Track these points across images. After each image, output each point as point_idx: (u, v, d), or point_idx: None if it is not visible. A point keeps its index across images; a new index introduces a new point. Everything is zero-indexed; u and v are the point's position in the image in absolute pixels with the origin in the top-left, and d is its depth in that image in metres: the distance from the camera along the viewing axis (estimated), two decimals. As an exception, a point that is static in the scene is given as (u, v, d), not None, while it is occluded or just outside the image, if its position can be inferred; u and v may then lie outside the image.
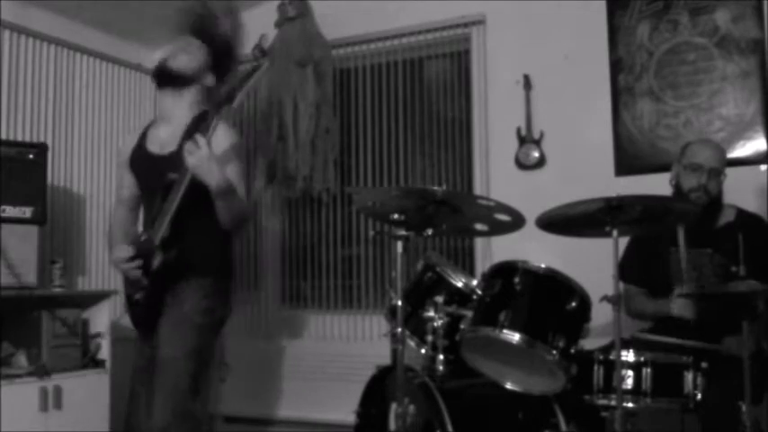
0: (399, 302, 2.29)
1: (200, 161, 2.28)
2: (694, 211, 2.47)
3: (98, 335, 3.39)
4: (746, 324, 2.21)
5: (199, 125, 2.40)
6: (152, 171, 2.53)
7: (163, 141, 2.57)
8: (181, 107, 2.59)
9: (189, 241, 2.43)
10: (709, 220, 2.72)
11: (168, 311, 2.44)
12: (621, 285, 2.60)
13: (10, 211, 3.18)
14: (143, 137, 2.66)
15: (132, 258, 2.45)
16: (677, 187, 2.77)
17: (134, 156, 2.64)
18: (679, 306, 2.60)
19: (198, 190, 2.37)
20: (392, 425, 2.34)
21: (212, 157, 2.31)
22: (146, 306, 2.47)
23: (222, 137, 2.45)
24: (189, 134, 2.40)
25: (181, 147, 2.36)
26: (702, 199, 2.67)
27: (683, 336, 2.48)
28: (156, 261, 2.40)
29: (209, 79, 2.66)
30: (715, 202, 2.73)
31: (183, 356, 2.38)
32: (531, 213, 2.38)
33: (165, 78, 2.58)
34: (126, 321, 2.63)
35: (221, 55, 2.71)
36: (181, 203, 2.36)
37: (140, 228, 2.67)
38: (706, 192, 2.68)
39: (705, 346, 2.43)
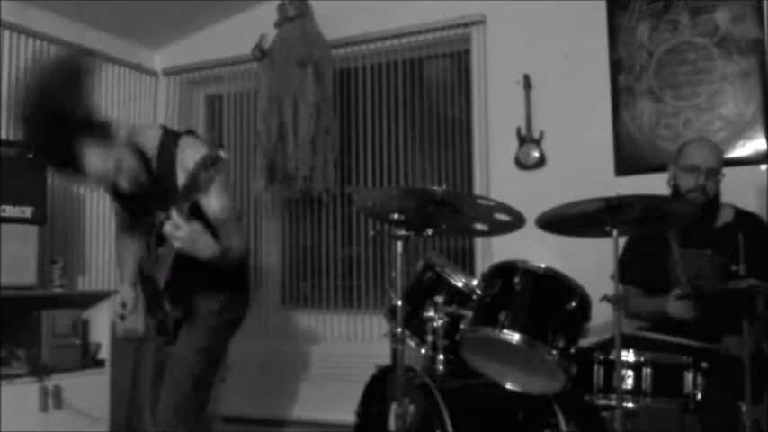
0: (399, 302, 2.29)
1: (185, 242, 2.10)
2: (693, 211, 2.47)
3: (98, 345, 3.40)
4: (746, 324, 2.21)
5: (165, 150, 2.28)
6: (134, 206, 2.44)
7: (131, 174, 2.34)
8: (127, 157, 2.29)
9: (195, 266, 2.26)
10: (707, 220, 2.72)
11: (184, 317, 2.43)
12: (620, 287, 2.60)
13: (10, 211, 3.18)
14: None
15: (127, 311, 2.49)
16: (675, 188, 2.77)
17: (115, 192, 2.42)
18: (676, 307, 2.60)
19: (195, 218, 2.20)
20: (392, 425, 2.34)
21: (194, 233, 2.11)
22: (165, 327, 2.44)
23: (192, 154, 2.19)
24: (164, 162, 2.28)
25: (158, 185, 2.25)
26: (700, 199, 2.67)
27: (682, 335, 2.48)
28: (170, 319, 2.37)
29: (116, 135, 2.27)
30: (713, 202, 2.73)
31: (192, 354, 2.37)
32: (530, 213, 2.38)
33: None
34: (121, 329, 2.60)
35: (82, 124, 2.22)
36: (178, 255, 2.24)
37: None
38: (704, 192, 2.68)
39: (705, 345, 2.43)
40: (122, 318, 2.55)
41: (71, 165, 2.14)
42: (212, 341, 2.43)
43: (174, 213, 2.06)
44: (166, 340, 2.43)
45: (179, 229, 2.06)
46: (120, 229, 2.71)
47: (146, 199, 2.34)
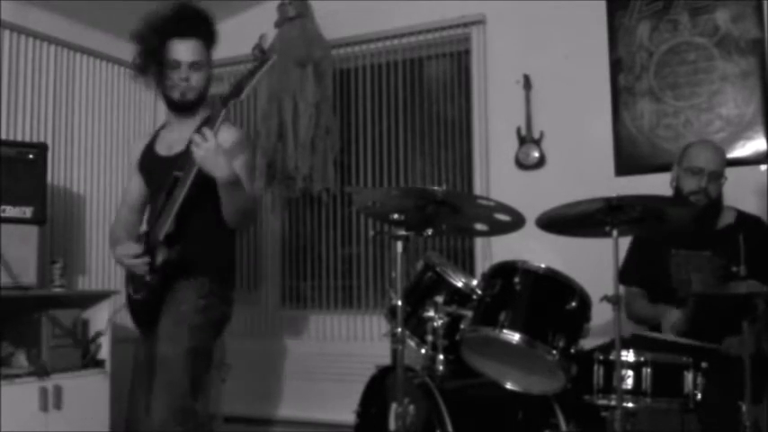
0: (399, 302, 2.29)
1: (208, 153, 2.29)
2: (693, 212, 2.47)
3: (98, 334, 3.39)
4: (747, 324, 2.21)
5: (207, 122, 2.41)
6: (160, 172, 2.53)
7: (171, 143, 2.59)
8: (195, 116, 2.61)
9: (191, 239, 2.43)
10: (709, 222, 2.72)
11: (167, 310, 2.44)
12: (622, 289, 2.60)
13: (10, 211, 3.18)
14: (154, 139, 2.68)
15: (140, 255, 2.46)
16: (677, 189, 2.77)
17: (143, 158, 2.66)
18: (670, 323, 2.61)
19: (203, 188, 2.37)
20: (392, 425, 2.34)
21: (219, 150, 2.31)
22: (146, 303, 2.47)
23: (227, 133, 2.46)
24: (198, 131, 2.41)
25: (188, 147, 2.36)
26: (702, 201, 2.67)
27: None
28: (160, 257, 2.41)
29: (212, 75, 2.69)
30: (715, 204, 2.73)
31: (182, 355, 2.38)
32: (531, 213, 2.38)
33: (187, 109, 2.60)
34: (122, 317, 2.63)
35: (213, 45, 2.68)
36: (185, 201, 2.37)
37: (144, 228, 2.68)
38: (706, 195, 2.68)
39: (705, 345, 2.43)
40: (142, 264, 2.51)
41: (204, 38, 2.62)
42: (200, 340, 2.44)
43: (205, 129, 2.31)
44: (140, 318, 2.50)
45: (207, 140, 2.28)
46: (120, 209, 2.77)
47: (169, 164, 2.48)
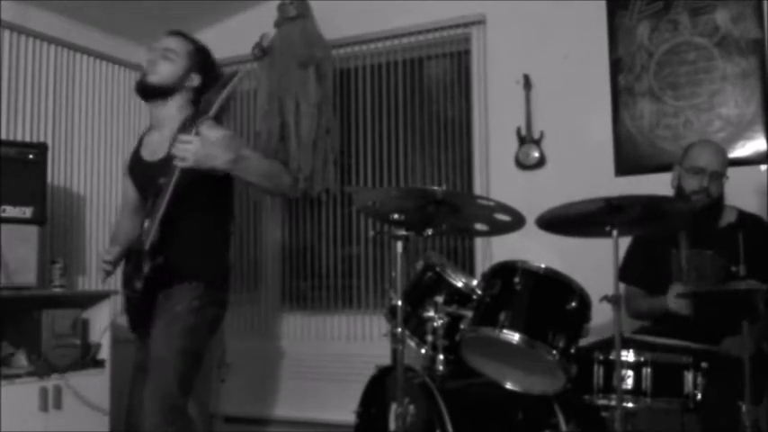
0: (399, 302, 2.29)
1: (197, 153, 2.24)
2: (694, 212, 2.47)
3: (98, 346, 3.40)
4: (746, 325, 2.21)
5: (185, 128, 2.39)
6: (146, 177, 2.54)
7: (154, 147, 2.59)
8: (170, 114, 2.58)
9: (180, 245, 2.43)
10: (710, 221, 2.72)
11: (161, 311, 2.44)
12: (622, 287, 2.60)
13: (10, 211, 3.18)
14: (139, 144, 2.70)
15: (113, 262, 2.54)
16: (679, 189, 2.77)
17: (131, 163, 2.68)
18: (676, 302, 2.60)
19: (192, 192, 2.37)
20: (392, 425, 2.34)
21: (206, 144, 2.27)
22: (139, 308, 2.48)
23: (212, 131, 2.41)
24: (180, 131, 2.41)
25: (170, 152, 2.34)
26: (703, 201, 2.67)
27: (682, 336, 2.48)
28: (146, 268, 2.40)
29: (195, 79, 2.61)
30: (716, 204, 2.73)
31: (173, 355, 2.39)
32: (531, 213, 2.38)
33: (149, 93, 2.59)
34: (124, 322, 2.64)
35: (205, 57, 2.66)
36: (170, 207, 2.36)
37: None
38: (708, 194, 2.68)
39: (704, 347, 2.43)
40: (107, 269, 2.63)
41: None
42: (193, 341, 2.45)
43: (181, 136, 2.26)
44: (134, 321, 2.51)
45: (190, 142, 2.22)
46: (123, 209, 2.80)
47: (154, 169, 2.47)
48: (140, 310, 2.48)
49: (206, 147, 2.26)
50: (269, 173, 2.46)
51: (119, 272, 2.65)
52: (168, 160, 2.37)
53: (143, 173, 2.59)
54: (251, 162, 2.40)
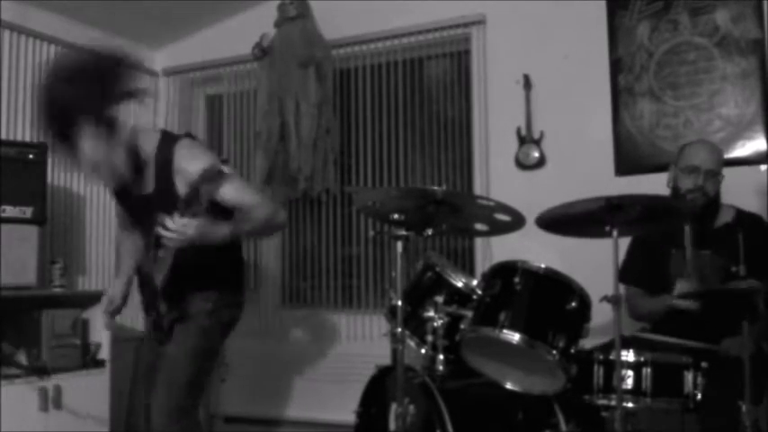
0: (399, 302, 2.29)
1: (192, 237, 2.16)
2: (691, 211, 2.47)
3: (98, 346, 3.39)
4: (746, 325, 2.21)
5: (164, 150, 2.32)
6: (135, 205, 2.47)
7: (139, 183, 2.42)
8: (146, 152, 2.39)
9: (191, 263, 2.33)
10: (706, 220, 2.72)
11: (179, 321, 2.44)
12: (622, 288, 2.60)
13: (10, 211, 3.18)
14: None
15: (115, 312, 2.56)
16: (674, 189, 2.77)
17: (117, 194, 2.53)
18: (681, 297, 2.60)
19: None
20: (392, 425, 2.34)
21: (199, 227, 2.16)
22: (159, 326, 2.46)
23: (194, 163, 2.20)
24: (161, 167, 2.33)
25: (156, 189, 2.30)
26: (699, 200, 2.67)
27: (682, 336, 2.48)
28: (162, 308, 2.39)
29: (118, 146, 2.28)
30: (713, 203, 2.73)
31: (185, 355, 2.38)
32: (531, 213, 2.38)
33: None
34: (121, 318, 2.61)
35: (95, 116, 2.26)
36: (177, 255, 2.30)
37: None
38: (703, 193, 2.68)
39: (704, 346, 2.43)
40: (110, 314, 2.63)
41: (66, 143, 2.22)
42: (205, 342, 2.44)
43: (168, 220, 2.12)
44: (160, 339, 2.44)
45: (186, 227, 2.13)
46: (121, 228, 2.75)
47: (146, 201, 2.38)
48: (160, 328, 2.47)
49: (203, 231, 2.18)
50: (264, 224, 2.39)
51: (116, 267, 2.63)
52: (158, 194, 2.32)
53: (132, 202, 2.49)
54: (247, 224, 2.34)
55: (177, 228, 2.14)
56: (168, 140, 2.38)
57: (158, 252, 2.33)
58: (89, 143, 2.20)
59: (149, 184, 2.38)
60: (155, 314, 2.43)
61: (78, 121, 2.18)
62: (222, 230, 2.27)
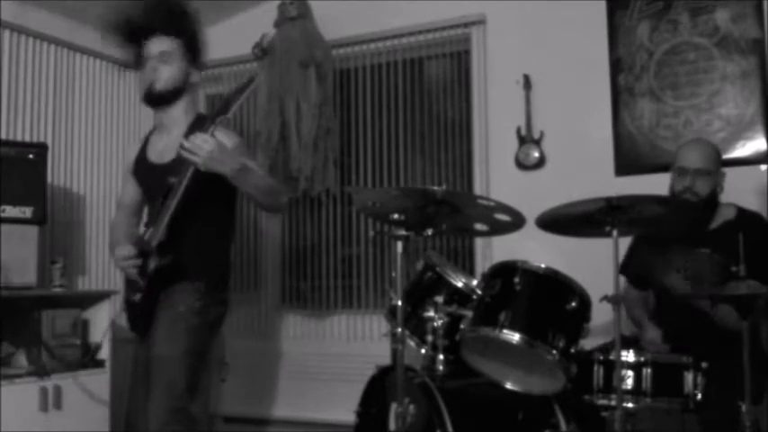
0: (399, 302, 2.29)
1: (209, 154, 2.25)
2: (689, 210, 2.47)
3: (98, 347, 3.39)
4: (746, 325, 2.21)
5: (194, 131, 2.39)
6: (154, 180, 2.55)
7: (162, 150, 2.60)
8: (176, 116, 2.61)
9: (185, 246, 2.44)
10: (703, 219, 2.72)
11: (163, 312, 2.45)
12: (622, 287, 2.60)
13: (10, 211, 3.18)
14: (145, 146, 2.70)
15: (132, 257, 2.47)
16: (671, 191, 2.78)
17: (137, 166, 2.69)
18: (674, 281, 2.60)
19: (197, 194, 2.37)
20: (392, 425, 2.34)
21: (219, 147, 2.28)
22: (141, 307, 2.48)
23: (225, 138, 2.43)
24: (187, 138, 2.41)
25: (179, 155, 2.35)
26: (693, 199, 2.67)
27: (685, 335, 2.48)
28: (152, 265, 2.42)
29: (195, 76, 2.66)
30: (709, 202, 2.73)
31: (178, 355, 2.39)
32: (531, 213, 2.38)
33: (158, 101, 2.59)
34: (123, 321, 2.64)
35: (195, 42, 2.67)
36: (181, 208, 2.37)
37: (141, 230, 2.68)
38: (693, 193, 2.68)
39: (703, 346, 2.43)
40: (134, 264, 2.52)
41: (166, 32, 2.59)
42: (196, 341, 2.46)
43: (199, 134, 2.26)
44: (138, 331, 2.49)
45: (205, 142, 2.23)
46: (117, 214, 2.80)
47: (162, 171, 2.48)
48: (141, 310, 2.48)
49: (219, 151, 2.27)
50: (268, 189, 2.49)
51: (120, 271, 2.65)
52: (177, 163, 2.39)
53: (151, 175, 2.59)
54: (254, 176, 2.42)
55: (197, 142, 2.22)
56: (203, 120, 2.43)
57: (168, 179, 2.39)
58: (175, 49, 2.57)
59: (171, 152, 2.47)
60: (136, 295, 2.45)
61: (188, 28, 2.59)
62: (237, 159, 2.32)
